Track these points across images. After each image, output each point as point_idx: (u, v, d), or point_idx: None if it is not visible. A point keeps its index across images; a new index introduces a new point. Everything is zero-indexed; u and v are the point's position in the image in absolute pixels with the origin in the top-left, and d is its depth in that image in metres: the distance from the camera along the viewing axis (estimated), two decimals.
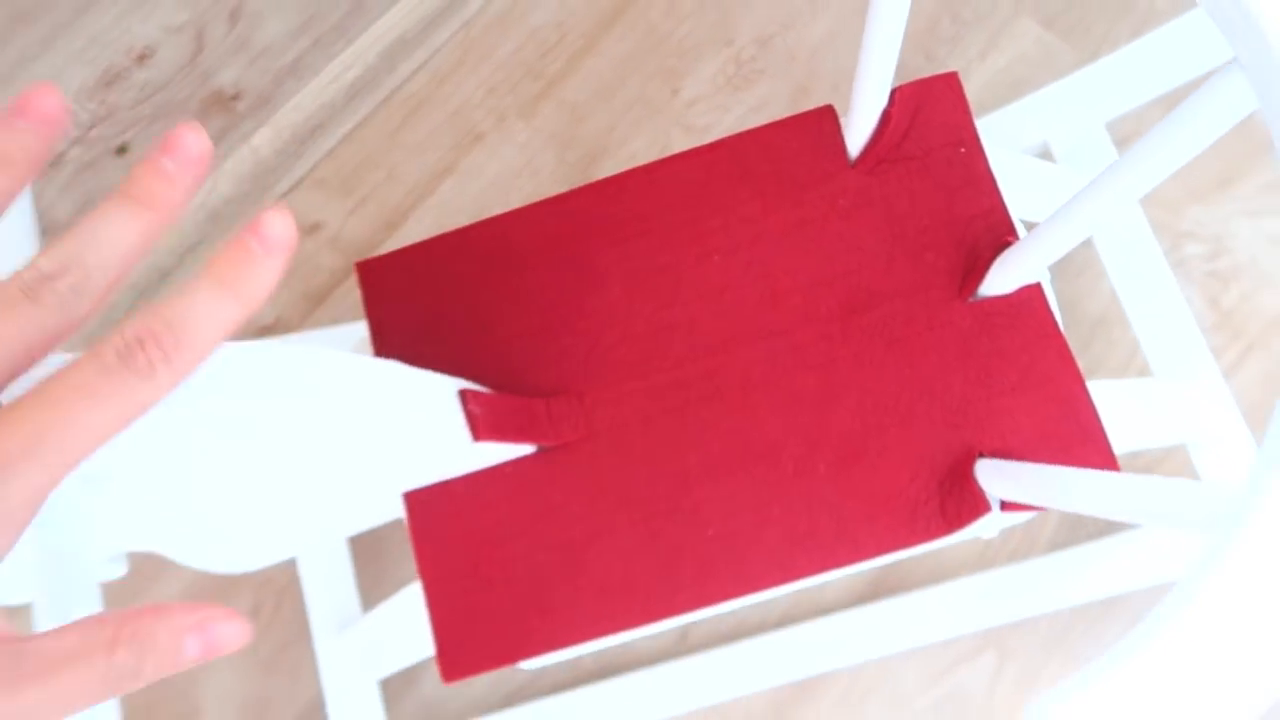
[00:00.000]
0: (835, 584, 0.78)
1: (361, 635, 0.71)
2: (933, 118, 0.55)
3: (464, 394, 0.48)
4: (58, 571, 0.50)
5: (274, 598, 0.82)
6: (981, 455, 0.51)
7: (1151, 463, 0.78)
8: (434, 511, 0.54)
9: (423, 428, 0.47)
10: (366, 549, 0.81)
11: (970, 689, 0.76)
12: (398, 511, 0.59)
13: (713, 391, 0.54)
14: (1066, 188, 0.49)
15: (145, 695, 0.81)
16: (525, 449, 0.54)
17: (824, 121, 0.55)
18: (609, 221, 0.56)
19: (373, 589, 0.81)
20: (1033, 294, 0.52)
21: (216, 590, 0.82)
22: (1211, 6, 0.33)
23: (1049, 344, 0.52)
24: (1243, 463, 0.67)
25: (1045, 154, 0.79)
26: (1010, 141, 0.78)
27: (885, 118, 0.53)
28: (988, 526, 0.53)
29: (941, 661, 0.76)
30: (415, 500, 0.54)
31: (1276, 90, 0.32)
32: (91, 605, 0.50)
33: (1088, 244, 0.81)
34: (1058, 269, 0.82)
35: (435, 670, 0.79)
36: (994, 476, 0.49)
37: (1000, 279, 0.52)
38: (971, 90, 0.87)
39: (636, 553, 0.52)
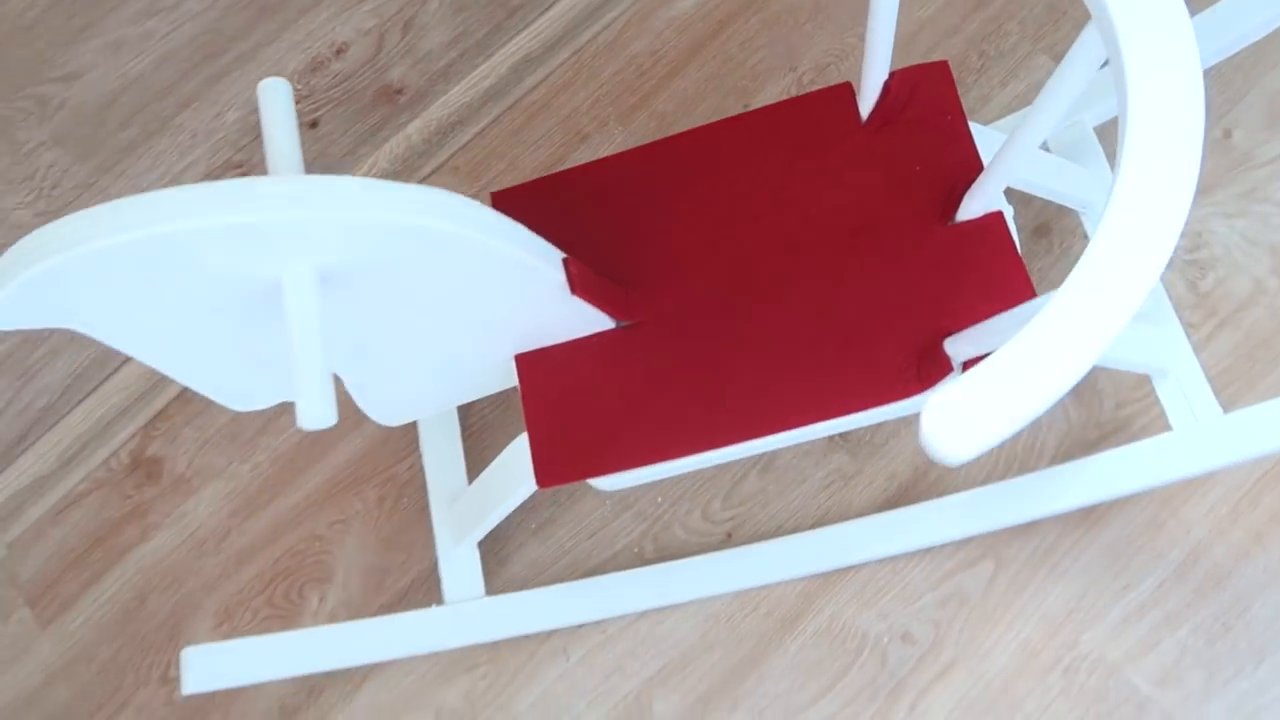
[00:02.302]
0: (861, 495, 0.93)
1: (463, 505, 0.88)
2: (927, 94, 0.73)
3: (566, 260, 0.66)
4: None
5: (395, 491, 1.01)
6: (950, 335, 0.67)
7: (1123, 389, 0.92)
8: (537, 366, 0.72)
9: (533, 283, 0.65)
10: (475, 447, 0.99)
11: (969, 590, 0.90)
12: (509, 381, 0.78)
13: (751, 288, 0.72)
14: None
15: (288, 561, 1.00)
16: (608, 322, 0.72)
17: (843, 93, 0.74)
18: (680, 165, 0.76)
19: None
20: (995, 220, 0.69)
21: (350, 482, 1.01)
22: None
23: (1008, 258, 0.68)
24: (1199, 395, 0.81)
25: (1044, 148, 0.95)
26: None
27: (887, 87, 0.72)
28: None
29: (946, 566, 0.90)
30: (524, 359, 0.73)
31: (1114, 42, 0.49)
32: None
33: (1082, 232, 0.97)
34: (1056, 250, 0.98)
35: (524, 549, 0.96)
36: (957, 345, 0.65)
37: (970, 206, 0.69)
38: (991, 111, 1.05)
39: (689, 399, 0.70)
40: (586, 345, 0.73)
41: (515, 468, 0.75)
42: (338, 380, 0.91)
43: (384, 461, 1.02)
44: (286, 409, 1.03)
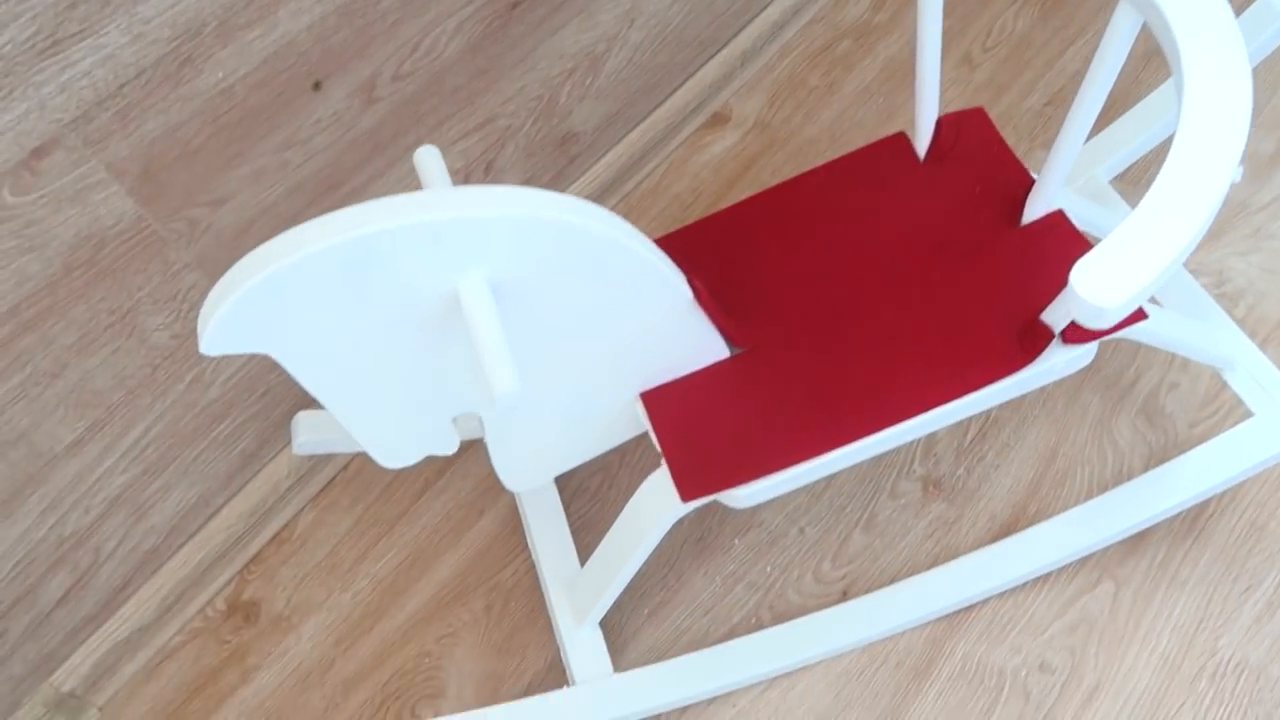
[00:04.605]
0: (965, 538, 0.95)
1: (586, 578, 0.89)
2: (971, 132, 0.84)
3: (689, 278, 0.73)
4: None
5: (502, 598, 1.01)
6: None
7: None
8: (662, 399, 0.77)
9: (665, 297, 0.72)
10: (584, 524, 1.00)
11: (1094, 613, 0.90)
12: (631, 430, 0.82)
13: (849, 307, 0.79)
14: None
15: (398, 681, 0.97)
16: (722, 351, 0.78)
17: (899, 140, 0.85)
18: (768, 216, 0.85)
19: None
20: (1058, 217, 0.78)
21: (455, 596, 1.01)
22: None
23: (1078, 243, 0.77)
24: (1271, 379, 0.87)
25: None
26: None
27: (938, 127, 0.83)
28: (1068, 364, 0.73)
29: (1066, 593, 0.91)
30: (649, 395, 0.78)
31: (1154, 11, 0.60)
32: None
33: None
34: None
35: (641, 635, 0.95)
36: (1054, 313, 0.71)
37: (1033, 209, 0.78)
38: None
39: (812, 406, 0.75)
40: (704, 375, 0.78)
41: (649, 505, 0.78)
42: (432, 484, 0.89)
43: (487, 571, 1.02)
44: (390, 534, 1.05)
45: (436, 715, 0.95)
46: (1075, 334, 0.72)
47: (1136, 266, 0.51)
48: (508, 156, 1.11)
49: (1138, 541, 0.92)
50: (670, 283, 0.71)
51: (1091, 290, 0.51)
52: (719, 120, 1.32)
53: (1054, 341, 0.72)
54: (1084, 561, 0.92)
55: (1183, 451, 0.95)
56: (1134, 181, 1.14)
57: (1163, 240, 0.52)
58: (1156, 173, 1.14)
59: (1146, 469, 0.96)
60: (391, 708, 0.96)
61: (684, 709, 0.90)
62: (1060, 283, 0.75)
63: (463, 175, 1.06)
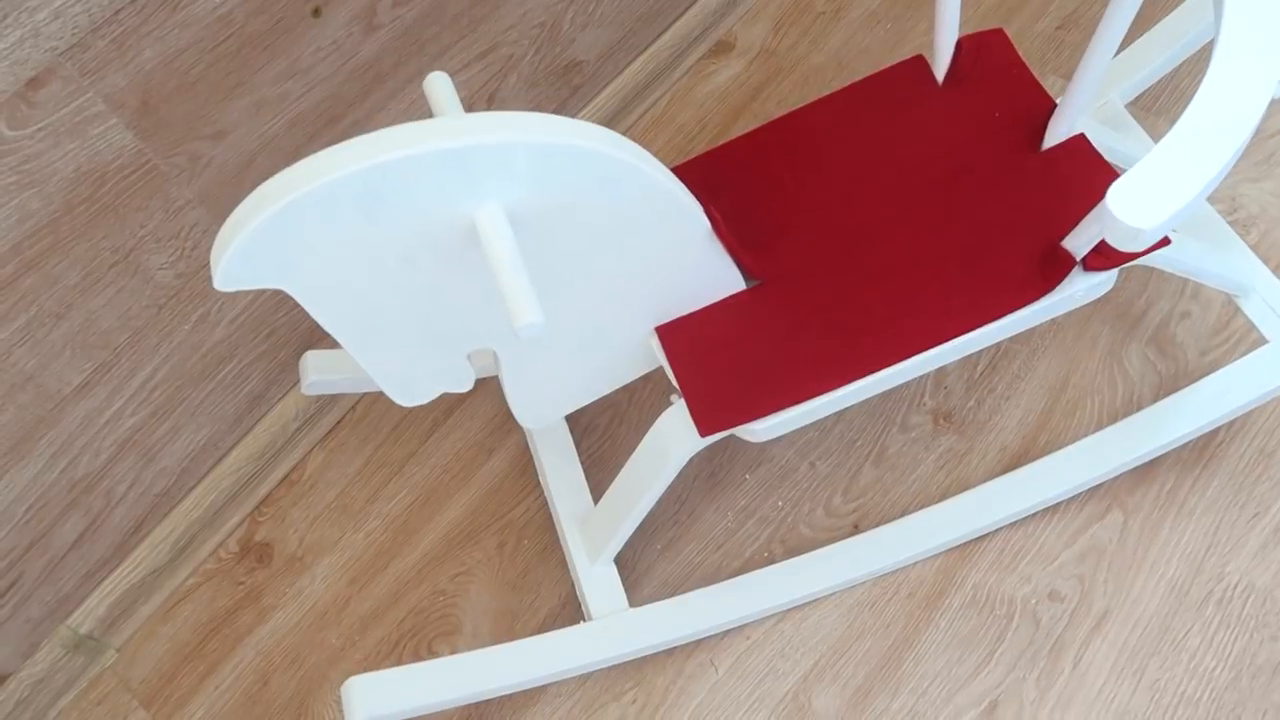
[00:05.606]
0: (976, 470, 0.95)
1: (600, 515, 0.89)
2: (991, 54, 0.82)
3: (705, 207, 0.72)
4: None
5: (515, 535, 1.01)
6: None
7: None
8: (677, 333, 0.77)
9: (682, 227, 0.70)
10: (595, 462, 1.01)
11: (1104, 541, 0.91)
12: (644, 365, 0.82)
13: (866, 236, 0.78)
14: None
15: (414, 619, 0.98)
16: (738, 284, 0.77)
17: (917, 63, 0.83)
18: (783, 143, 0.83)
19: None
20: (1079, 142, 0.77)
21: (467, 534, 1.01)
22: None
23: (1100, 167, 0.75)
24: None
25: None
26: None
27: (957, 50, 0.81)
28: (1088, 291, 0.73)
29: (1076, 522, 0.92)
30: (664, 329, 0.77)
31: None
32: None
33: None
34: None
35: (654, 570, 0.95)
36: (1076, 239, 0.70)
37: (1054, 134, 0.77)
38: None
39: (831, 337, 0.74)
40: (720, 308, 0.77)
41: (665, 440, 0.77)
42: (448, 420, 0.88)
43: (499, 509, 1.03)
44: (400, 475, 1.05)
45: (453, 652, 0.96)
46: (1097, 261, 0.71)
47: (1174, 187, 0.50)
48: (510, 87, 1.08)
49: (1147, 470, 0.93)
50: (688, 212, 0.70)
51: (1128, 212, 0.50)
52: (723, 48, 1.28)
53: (1075, 269, 0.72)
54: (1093, 491, 0.93)
55: (1194, 380, 0.95)
56: (1147, 108, 1.13)
57: (1201, 159, 0.51)
58: (1173, 98, 1.12)
59: (1157, 398, 0.96)
60: (408, 645, 0.97)
61: (698, 641, 0.92)
62: (1082, 208, 0.74)
63: (465, 107, 1.04)
